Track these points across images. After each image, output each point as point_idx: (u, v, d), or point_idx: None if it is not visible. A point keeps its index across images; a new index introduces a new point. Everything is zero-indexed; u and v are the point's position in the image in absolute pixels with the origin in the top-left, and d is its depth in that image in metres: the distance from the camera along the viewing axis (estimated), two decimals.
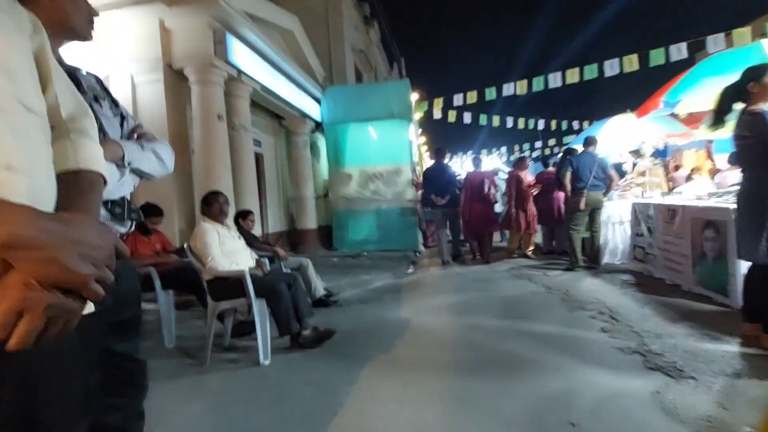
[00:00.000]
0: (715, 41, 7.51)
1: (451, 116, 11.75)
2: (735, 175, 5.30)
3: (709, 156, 7.07)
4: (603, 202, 5.02)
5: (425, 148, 19.73)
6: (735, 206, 2.58)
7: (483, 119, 12.38)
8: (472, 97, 10.07)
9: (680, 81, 4.00)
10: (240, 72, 5.55)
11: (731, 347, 2.45)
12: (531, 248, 6.50)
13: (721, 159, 7.80)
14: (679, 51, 7.81)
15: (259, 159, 7.66)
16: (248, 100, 5.97)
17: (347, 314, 3.87)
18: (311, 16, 10.32)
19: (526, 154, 22.54)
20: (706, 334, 2.67)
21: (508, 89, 9.61)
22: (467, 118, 12.08)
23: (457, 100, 10.32)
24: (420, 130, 13.80)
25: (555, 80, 9.05)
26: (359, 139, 8.63)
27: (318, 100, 8.61)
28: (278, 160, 8.34)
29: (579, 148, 5.89)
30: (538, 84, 9.30)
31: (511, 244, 6.64)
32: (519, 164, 6.76)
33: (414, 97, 10.33)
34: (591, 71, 8.68)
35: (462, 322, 3.45)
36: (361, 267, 6.19)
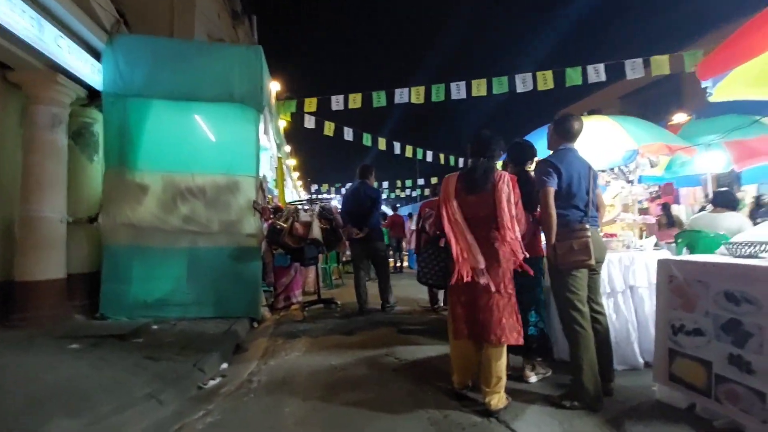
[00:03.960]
0: (633, 66, 6.54)
1: (328, 128, 9.04)
2: None
3: None
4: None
5: (295, 172, 16.64)
6: None
7: (367, 139, 9.99)
8: (356, 100, 7.53)
9: None
10: None
11: None
12: None
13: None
14: (597, 72, 6.66)
15: None
16: None
17: None
18: None
19: (407, 191, 21.38)
20: None
21: (401, 95, 7.36)
22: (348, 134, 9.55)
23: (337, 103, 7.66)
24: (286, 146, 10.75)
25: (459, 90, 7.16)
26: (169, 129, 5.12)
27: (98, 54, 4.90)
28: None
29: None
30: (438, 93, 7.28)
31: None
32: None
33: (275, 86, 7.32)
34: (500, 84, 7.04)
35: None
36: (112, 370, 2.62)
